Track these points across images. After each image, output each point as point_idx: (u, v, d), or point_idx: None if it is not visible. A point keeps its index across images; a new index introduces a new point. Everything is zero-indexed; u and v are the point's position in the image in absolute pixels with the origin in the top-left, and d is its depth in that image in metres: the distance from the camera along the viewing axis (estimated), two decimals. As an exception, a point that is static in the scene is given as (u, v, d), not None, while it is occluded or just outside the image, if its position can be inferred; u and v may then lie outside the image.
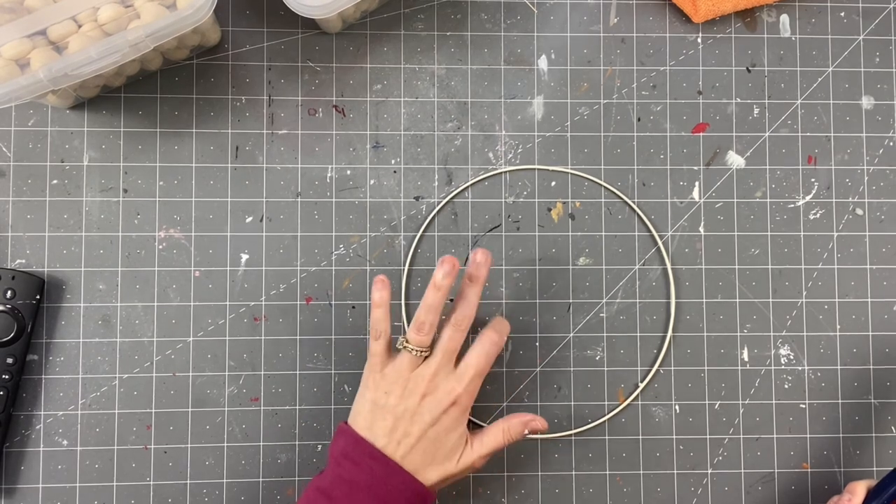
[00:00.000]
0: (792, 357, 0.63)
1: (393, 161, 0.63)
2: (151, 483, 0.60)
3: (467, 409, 0.53)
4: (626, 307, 0.63)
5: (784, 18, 0.65)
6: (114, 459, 0.60)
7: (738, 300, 0.64)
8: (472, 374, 0.52)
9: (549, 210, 0.63)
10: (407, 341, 0.53)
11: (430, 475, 0.52)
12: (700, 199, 0.64)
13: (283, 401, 0.61)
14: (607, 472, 0.62)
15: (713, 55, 0.65)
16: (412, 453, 0.51)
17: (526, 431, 0.55)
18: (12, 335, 0.58)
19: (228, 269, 0.62)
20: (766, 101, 0.65)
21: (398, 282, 0.62)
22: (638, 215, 0.64)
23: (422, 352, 0.52)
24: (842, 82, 0.65)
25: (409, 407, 0.51)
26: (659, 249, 0.64)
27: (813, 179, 0.65)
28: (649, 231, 0.64)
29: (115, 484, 0.60)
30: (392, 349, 0.54)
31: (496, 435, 0.54)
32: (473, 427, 0.62)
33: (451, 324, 0.53)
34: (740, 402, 0.63)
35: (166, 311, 0.61)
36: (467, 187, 0.63)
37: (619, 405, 0.63)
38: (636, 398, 0.63)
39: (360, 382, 0.55)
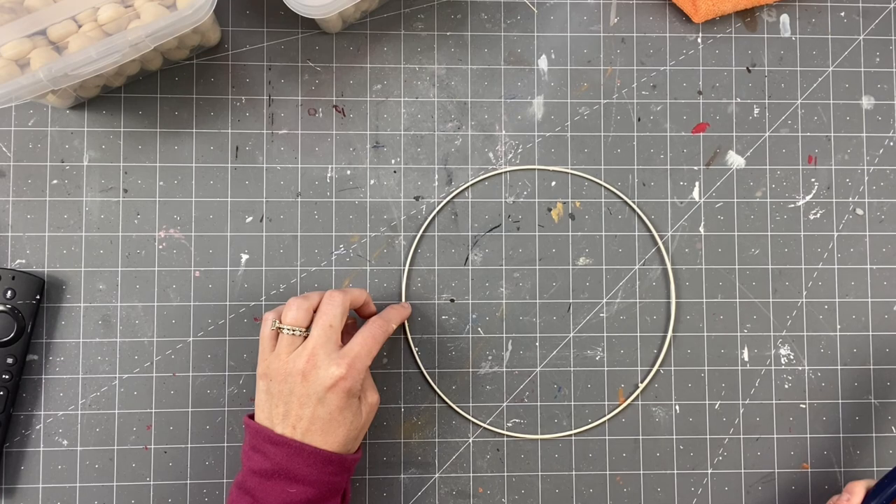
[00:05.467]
0: (792, 357, 0.63)
1: (393, 161, 0.63)
2: (151, 483, 0.60)
3: (353, 390, 0.50)
4: (626, 307, 0.63)
5: (784, 18, 0.65)
6: (114, 459, 0.60)
7: (738, 300, 0.64)
8: (353, 355, 0.51)
9: (549, 210, 0.63)
10: (280, 322, 0.52)
11: (338, 442, 0.51)
12: (700, 199, 0.64)
13: (283, 401, 0.61)
14: (607, 472, 0.62)
15: (713, 55, 0.65)
16: (310, 433, 0.50)
17: (392, 326, 0.54)
18: (12, 335, 0.58)
19: (228, 269, 0.62)
20: (767, 101, 0.65)
21: (398, 282, 0.62)
22: (638, 215, 0.64)
23: (298, 331, 0.51)
24: (842, 82, 0.65)
25: (293, 389, 0.50)
26: (659, 249, 0.64)
27: (813, 179, 0.65)
28: (649, 231, 0.64)
29: (115, 484, 0.60)
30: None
31: (366, 353, 0.51)
32: (473, 427, 0.62)
33: (326, 294, 0.52)
34: (740, 402, 0.63)
35: (166, 311, 0.61)
36: (467, 187, 0.63)
37: (619, 405, 0.63)
38: (636, 398, 0.63)
39: None
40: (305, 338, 0.52)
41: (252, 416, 0.53)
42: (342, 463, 0.51)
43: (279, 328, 0.52)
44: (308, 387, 0.50)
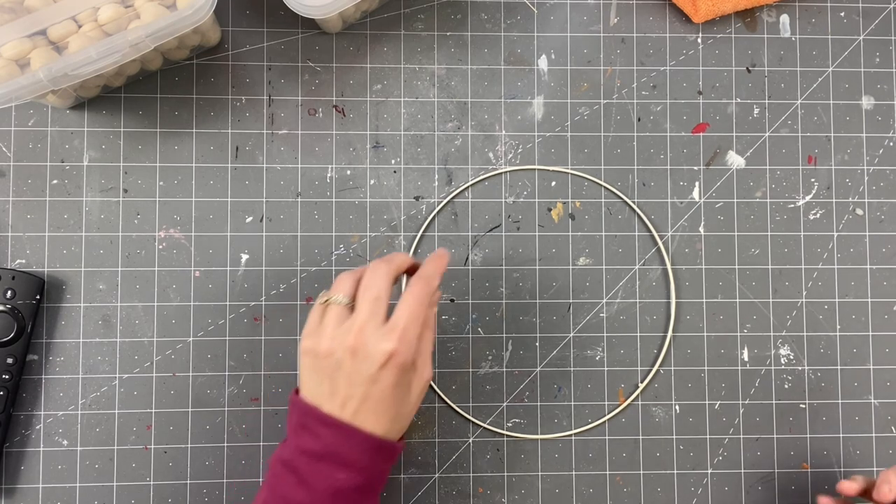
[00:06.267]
0: (792, 357, 0.63)
1: (393, 161, 0.63)
2: (151, 483, 0.60)
3: (407, 363, 0.47)
4: (626, 307, 0.63)
5: (784, 18, 0.66)
6: (114, 459, 0.60)
7: (738, 300, 0.64)
8: (402, 325, 0.47)
9: (549, 210, 0.63)
10: (329, 293, 0.49)
11: (387, 425, 0.48)
12: (700, 199, 0.64)
13: (283, 401, 0.61)
14: (607, 472, 0.62)
15: (713, 55, 0.65)
16: (360, 413, 0.47)
17: (434, 282, 0.50)
18: (12, 335, 0.58)
19: (228, 269, 0.62)
20: (766, 101, 0.65)
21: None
22: (638, 215, 0.64)
23: (346, 300, 0.48)
24: (842, 82, 0.65)
25: (341, 366, 0.47)
26: (659, 249, 0.64)
27: (813, 179, 0.65)
28: (649, 231, 0.64)
29: (115, 484, 0.60)
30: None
31: (414, 319, 0.48)
32: (476, 430, 0.62)
33: (370, 265, 0.49)
34: (740, 402, 0.63)
35: (166, 311, 0.61)
36: (467, 187, 0.63)
37: (619, 405, 0.63)
38: (636, 398, 0.63)
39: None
40: (352, 310, 0.48)
41: (297, 392, 0.50)
42: (392, 451, 0.48)
43: (328, 300, 0.49)
44: (358, 365, 0.46)
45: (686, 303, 0.63)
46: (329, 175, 0.63)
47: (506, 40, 0.64)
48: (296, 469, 0.47)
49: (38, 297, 0.59)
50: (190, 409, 0.61)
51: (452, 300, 0.63)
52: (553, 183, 0.64)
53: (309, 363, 0.48)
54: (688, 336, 0.63)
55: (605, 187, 0.64)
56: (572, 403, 0.63)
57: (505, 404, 0.62)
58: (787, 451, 0.63)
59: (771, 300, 0.64)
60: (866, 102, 0.65)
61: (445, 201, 0.63)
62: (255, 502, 0.48)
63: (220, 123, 0.63)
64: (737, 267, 0.64)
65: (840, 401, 0.63)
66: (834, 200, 0.64)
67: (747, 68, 0.65)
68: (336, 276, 0.62)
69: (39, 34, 0.52)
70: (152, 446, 0.61)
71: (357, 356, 0.46)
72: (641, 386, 0.63)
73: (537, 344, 0.63)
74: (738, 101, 0.65)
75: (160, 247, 0.62)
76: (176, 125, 0.63)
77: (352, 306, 0.48)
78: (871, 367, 0.64)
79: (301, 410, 0.48)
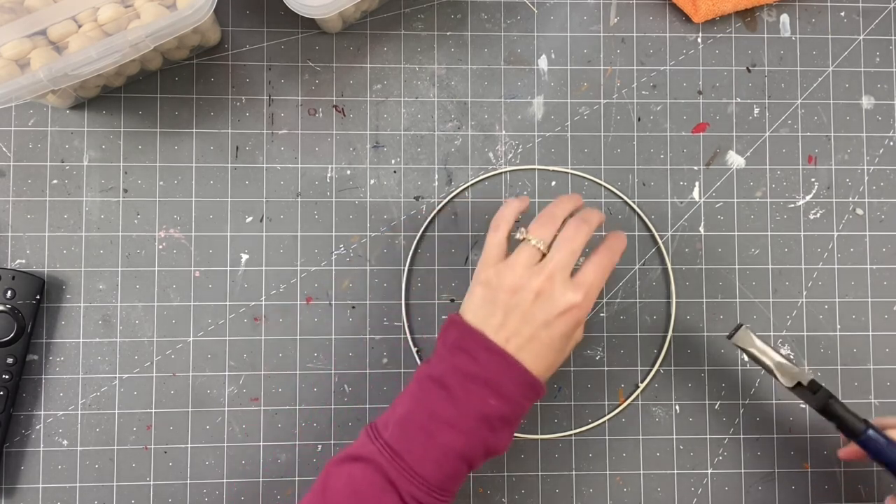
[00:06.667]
0: (792, 357, 0.63)
1: (393, 161, 0.63)
2: (151, 483, 0.60)
3: (581, 320, 0.49)
4: (626, 307, 0.63)
5: (784, 18, 0.65)
6: (114, 459, 0.60)
7: (738, 300, 0.64)
8: (588, 284, 0.49)
9: (549, 210, 0.63)
10: (528, 233, 0.50)
11: (541, 369, 0.49)
12: (700, 199, 0.64)
13: (283, 401, 0.61)
14: (607, 472, 0.62)
15: (713, 55, 0.65)
16: (523, 350, 0.48)
17: (617, 258, 0.51)
18: (12, 335, 0.58)
19: (228, 269, 0.62)
20: (766, 101, 0.65)
21: (398, 282, 0.62)
22: (638, 215, 0.64)
23: (543, 246, 0.49)
24: (842, 82, 0.65)
25: (520, 303, 0.48)
26: (659, 249, 0.64)
27: (813, 179, 0.65)
28: (649, 231, 0.64)
29: (115, 484, 0.60)
30: (510, 245, 0.51)
31: (599, 283, 0.49)
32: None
33: (574, 222, 0.50)
34: (740, 402, 0.63)
35: (166, 311, 0.61)
36: (467, 187, 0.63)
37: (619, 405, 0.63)
38: (636, 398, 0.63)
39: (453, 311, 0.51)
40: (544, 255, 0.49)
41: (457, 313, 0.51)
42: (539, 391, 0.49)
43: (526, 238, 0.50)
44: (538, 307, 0.48)
45: (686, 303, 0.63)
46: (329, 175, 0.63)
47: (506, 40, 0.64)
48: (447, 385, 0.47)
49: (38, 297, 0.59)
50: (190, 409, 0.61)
51: (452, 300, 0.63)
52: (553, 183, 0.64)
53: (484, 294, 0.49)
54: (688, 336, 0.63)
55: (605, 187, 0.64)
56: (572, 403, 0.63)
57: (505, 404, 0.62)
58: (787, 451, 0.63)
59: (771, 300, 0.64)
60: (866, 102, 0.65)
61: (445, 201, 0.63)
62: (395, 407, 0.49)
63: (220, 123, 0.63)
64: (737, 267, 0.64)
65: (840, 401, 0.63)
66: (834, 200, 0.64)
67: (747, 68, 0.65)
68: (334, 275, 0.62)
69: (39, 34, 0.52)
70: (152, 446, 0.61)
71: (541, 298, 0.48)
72: (641, 386, 0.63)
73: (537, 344, 0.63)
74: (738, 100, 0.65)
75: (160, 247, 0.62)
76: (176, 125, 0.63)
77: (545, 251, 0.49)
78: (872, 367, 0.64)
79: (464, 332, 0.49)
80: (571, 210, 0.51)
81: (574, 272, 0.49)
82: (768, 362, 0.54)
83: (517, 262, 0.49)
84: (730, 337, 0.54)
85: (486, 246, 0.51)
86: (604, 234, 0.54)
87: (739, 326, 0.54)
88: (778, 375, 0.53)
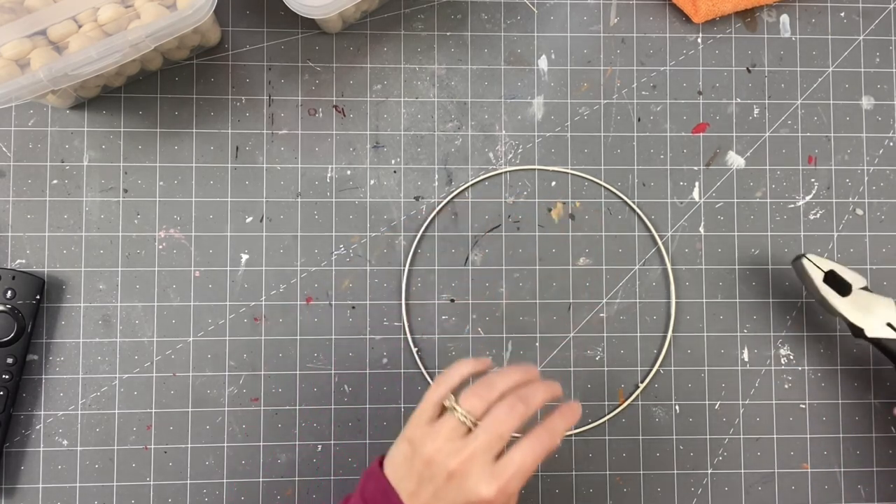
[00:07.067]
0: (792, 357, 0.63)
1: (393, 161, 0.63)
2: (151, 483, 0.60)
3: None
4: (626, 307, 0.63)
5: (784, 18, 0.66)
6: (114, 459, 0.60)
7: (738, 300, 0.64)
8: (511, 472, 0.44)
9: (549, 210, 0.63)
10: (459, 402, 0.46)
11: None
12: (700, 199, 0.64)
13: (283, 401, 0.61)
14: (607, 472, 0.62)
15: (713, 55, 0.65)
16: None
17: (558, 440, 0.46)
18: (12, 335, 0.58)
19: (228, 269, 0.62)
20: (766, 101, 0.65)
21: (398, 282, 0.62)
22: (638, 215, 0.64)
23: (469, 420, 0.45)
24: (842, 82, 0.65)
25: (434, 478, 0.45)
26: (659, 249, 0.64)
27: (813, 179, 0.65)
28: (649, 231, 0.64)
29: (115, 484, 0.60)
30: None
31: (523, 474, 0.45)
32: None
33: (510, 400, 0.46)
34: (740, 402, 0.63)
35: (166, 311, 0.61)
36: (467, 187, 0.63)
37: (619, 405, 0.63)
38: (636, 398, 0.63)
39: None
40: (470, 429, 0.45)
41: (382, 460, 0.48)
42: None
43: (453, 407, 0.46)
44: (450, 488, 0.44)
45: (686, 303, 0.63)
46: (329, 175, 0.63)
47: (506, 40, 0.64)
48: None
49: (38, 297, 0.59)
50: (190, 409, 0.61)
51: (452, 300, 0.63)
52: (553, 183, 0.64)
53: (405, 453, 0.46)
54: (688, 336, 0.63)
55: (605, 187, 0.64)
56: (572, 403, 0.63)
57: (505, 404, 0.62)
58: (787, 451, 0.63)
59: (771, 300, 0.64)
60: (866, 102, 0.65)
61: (445, 201, 0.63)
62: None
63: (220, 123, 0.63)
64: (737, 267, 0.64)
65: (840, 401, 0.63)
66: (834, 200, 0.64)
67: (747, 68, 0.65)
68: (334, 275, 0.62)
69: (39, 34, 0.52)
70: (152, 446, 0.61)
71: (454, 480, 0.44)
72: (641, 386, 0.63)
73: (537, 344, 0.63)
74: (738, 101, 0.65)
75: (160, 247, 0.62)
76: (176, 125, 0.63)
77: (472, 425, 0.46)
78: (871, 367, 0.64)
79: (381, 488, 0.47)
80: (517, 382, 0.47)
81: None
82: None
83: (439, 432, 0.45)
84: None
85: (421, 401, 0.47)
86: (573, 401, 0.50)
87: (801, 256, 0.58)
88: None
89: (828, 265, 0.57)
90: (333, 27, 0.62)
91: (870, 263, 0.64)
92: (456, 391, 0.47)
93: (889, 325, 0.57)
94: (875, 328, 0.56)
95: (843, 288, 0.57)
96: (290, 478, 0.61)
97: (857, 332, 0.57)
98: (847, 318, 0.57)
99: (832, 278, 0.57)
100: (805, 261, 0.58)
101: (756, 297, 0.64)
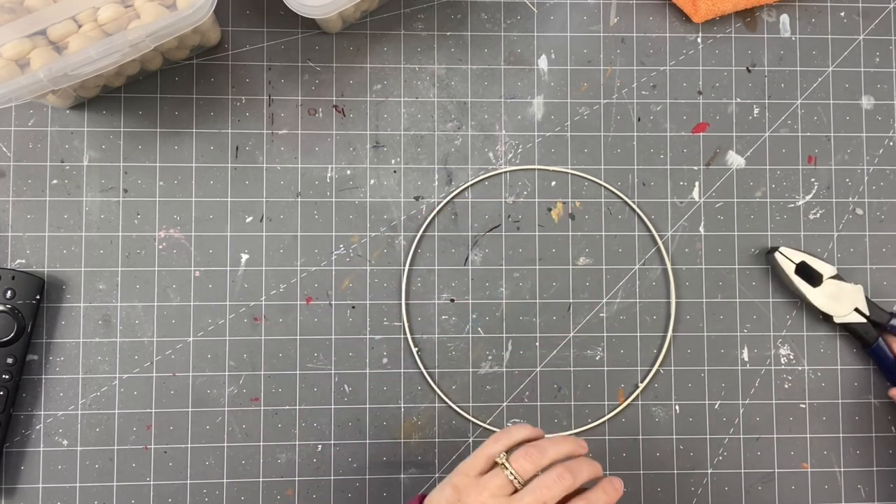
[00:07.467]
0: (792, 357, 0.63)
1: (393, 161, 0.63)
2: (151, 483, 0.60)
3: None
4: (626, 307, 0.63)
5: (784, 18, 0.66)
6: (114, 459, 0.60)
7: (738, 300, 0.64)
8: None
9: (549, 210, 0.63)
10: (510, 461, 0.47)
11: None
12: (700, 199, 0.64)
13: (283, 401, 0.61)
14: (607, 473, 0.62)
15: (713, 55, 0.65)
16: None
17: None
18: (12, 335, 0.58)
19: (228, 269, 0.62)
20: (766, 101, 0.65)
21: (398, 282, 0.62)
22: (638, 215, 0.64)
23: (517, 480, 0.46)
24: (842, 82, 0.65)
25: None
26: (659, 249, 0.64)
27: (813, 179, 0.65)
28: (649, 231, 0.64)
29: (115, 484, 0.60)
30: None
31: None
32: (475, 429, 0.62)
33: (558, 470, 0.46)
34: (740, 402, 0.63)
35: (166, 311, 0.61)
36: (467, 187, 0.63)
37: (619, 405, 0.63)
38: (636, 398, 0.63)
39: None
40: (516, 489, 0.46)
41: (423, 499, 0.49)
42: None
43: (504, 464, 0.47)
44: None
45: (686, 303, 0.63)
46: (329, 175, 0.63)
47: (506, 40, 0.64)
48: None
49: (38, 297, 0.59)
50: (190, 409, 0.61)
51: (452, 300, 0.63)
52: (553, 183, 0.64)
53: (450, 497, 0.47)
54: (688, 336, 0.63)
55: (605, 187, 0.64)
56: (572, 403, 0.63)
57: (505, 404, 0.62)
58: (787, 451, 0.63)
59: (771, 300, 0.64)
60: (866, 102, 0.65)
61: (445, 201, 0.63)
62: None
63: (220, 123, 0.63)
64: (737, 267, 0.64)
65: (840, 401, 0.63)
66: (834, 200, 0.64)
67: (747, 68, 0.65)
68: (334, 275, 0.62)
69: (39, 34, 0.52)
70: (152, 446, 0.61)
71: None
72: (641, 386, 0.63)
73: (537, 344, 0.63)
74: (738, 101, 0.65)
75: (160, 247, 0.62)
76: (176, 125, 0.63)
77: (520, 485, 0.46)
78: (871, 367, 0.64)
79: None
80: (567, 454, 0.48)
81: None
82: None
83: (486, 486, 0.46)
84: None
85: (477, 450, 0.49)
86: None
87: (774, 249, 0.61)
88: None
89: (799, 257, 0.61)
90: (333, 27, 0.62)
91: (870, 263, 0.64)
92: (508, 450, 0.48)
93: (856, 310, 0.61)
94: (843, 314, 0.61)
95: (814, 278, 0.61)
96: (290, 478, 0.61)
97: (829, 319, 0.61)
98: (817, 306, 0.61)
99: (803, 269, 0.61)
100: (777, 254, 0.61)
101: (756, 297, 0.64)
